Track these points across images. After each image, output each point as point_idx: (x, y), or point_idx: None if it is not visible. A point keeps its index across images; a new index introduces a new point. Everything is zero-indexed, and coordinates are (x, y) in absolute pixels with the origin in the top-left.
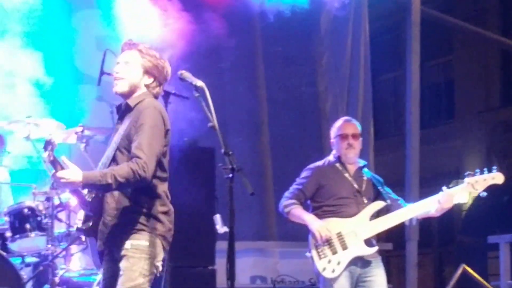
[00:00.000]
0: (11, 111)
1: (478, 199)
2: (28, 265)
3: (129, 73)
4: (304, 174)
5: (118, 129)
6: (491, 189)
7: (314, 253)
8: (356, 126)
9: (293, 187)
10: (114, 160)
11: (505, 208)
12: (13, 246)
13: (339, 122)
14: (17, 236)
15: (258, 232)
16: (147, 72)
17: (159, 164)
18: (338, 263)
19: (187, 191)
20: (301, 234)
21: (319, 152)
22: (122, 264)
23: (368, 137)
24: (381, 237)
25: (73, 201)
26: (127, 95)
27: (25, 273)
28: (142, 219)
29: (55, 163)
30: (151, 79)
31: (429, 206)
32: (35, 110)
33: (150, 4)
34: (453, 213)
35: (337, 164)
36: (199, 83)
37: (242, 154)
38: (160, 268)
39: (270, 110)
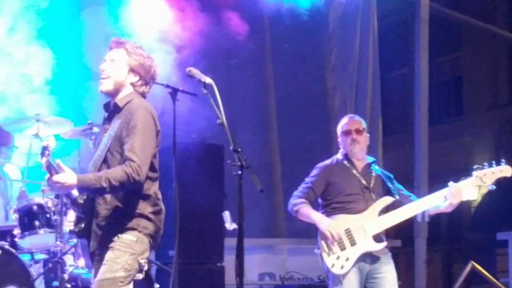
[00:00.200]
0: (20, 108)
1: (486, 196)
2: (37, 262)
3: (114, 72)
4: (313, 172)
5: (107, 129)
6: (500, 185)
7: (323, 249)
8: (359, 122)
9: (302, 186)
10: (105, 162)
11: None
12: (23, 243)
13: (343, 120)
14: (27, 233)
15: (267, 229)
16: (132, 70)
17: (150, 165)
18: (347, 259)
19: (196, 188)
20: (309, 231)
21: (327, 149)
22: (107, 255)
23: (377, 134)
24: (390, 234)
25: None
26: (112, 93)
27: (34, 270)
28: (133, 219)
29: (50, 168)
30: (137, 78)
31: (436, 201)
32: (44, 107)
33: (158, 2)
34: (461, 210)
35: (345, 162)
36: (208, 80)
37: (251, 151)
38: (144, 266)
39: (279, 107)
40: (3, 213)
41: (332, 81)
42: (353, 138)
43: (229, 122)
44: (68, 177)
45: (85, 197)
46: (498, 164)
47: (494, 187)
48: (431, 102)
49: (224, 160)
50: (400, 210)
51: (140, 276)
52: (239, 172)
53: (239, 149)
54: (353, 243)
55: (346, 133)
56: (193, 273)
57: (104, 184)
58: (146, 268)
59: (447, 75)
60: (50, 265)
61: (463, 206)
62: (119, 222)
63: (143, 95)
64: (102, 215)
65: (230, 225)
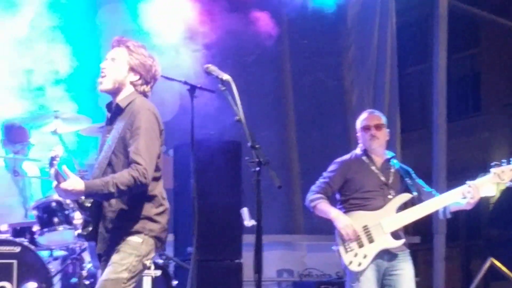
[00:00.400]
0: (38, 105)
1: (505, 192)
2: (56, 258)
3: (113, 70)
4: (331, 167)
5: (111, 130)
6: None
7: (340, 246)
8: (379, 117)
9: (320, 181)
10: (109, 165)
11: None
12: (41, 239)
13: (363, 115)
14: (45, 229)
15: (285, 225)
16: (132, 69)
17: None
18: (365, 256)
19: (214, 185)
20: (328, 227)
21: (345, 145)
22: (113, 257)
23: (395, 130)
24: (409, 231)
25: None
26: (113, 92)
27: (53, 267)
28: (138, 222)
29: (58, 176)
30: (137, 77)
31: (454, 198)
32: (62, 104)
33: None
34: (480, 206)
35: (364, 157)
36: (225, 76)
37: (269, 148)
38: (148, 266)
39: (297, 104)
40: (23, 211)
41: (350, 78)
42: (372, 134)
43: (247, 119)
44: (75, 183)
45: (91, 200)
46: None
47: None
48: (449, 98)
49: (241, 157)
50: (418, 207)
51: (158, 272)
52: (257, 168)
53: (257, 146)
54: (371, 240)
55: (365, 128)
56: (211, 269)
57: (112, 189)
58: (152, 267)
59: (465, 71)
60: (69, 261)
61: (481, 202)
62: (125, 225)
63: (145, 94)
64: (109, 218)
65: (248, 222)
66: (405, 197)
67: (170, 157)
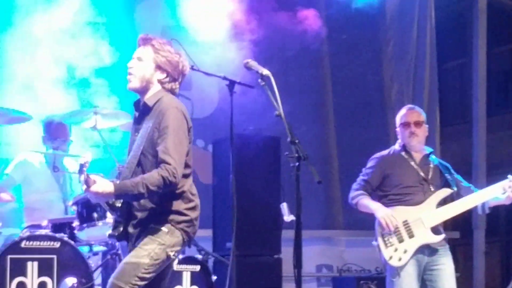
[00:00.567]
0: (77, 101)
1: None
2: (95, 253)
3: (139, 69)
4: (369, 164)
5: (139, 129)
6: None
7: (380, 241)
8: (419, 114)
9: (360, 178)
10: (139, 164)
11: None
12: (81, 235)
13: (402, 111)
14: (85, 225)
15: (324, 220)
16: (159, 67)
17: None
18: (405, 251)
19: (253, 180)
20: (367, 222)
21: (384, 140)
22: (138, 242)
23: (434, 125)
24: (448, 226)
25: None
26: (140, 91)
27: (93, 262)
28: (168, 215)
29: (89, 181)
30: (164, 75)
31: (494, 193)
32: (102, 100)
33: None
34: None
35: (403, 153)
36: (265, 71)
37: (308, 143)
38: (174, 258)
39: (335, 98)
40: (62, 206)
41: (389, 72)
42: (412, 131)
43: (286, 114)
44: (105, 186)
45: (122, 200)
46: None
47: None
48: (489, 92)
49: (280, 152)
50: (458, 202)
51: (197, 268)
52: (297, 163)
53: (297, 141)
54: (411, 235)
55: (405, 125)
56: (250, 265)
57: (142, 190)
58: (176, 260)
59: (505, 65)
60: (108, 256)
61: None
62: (154, 222)
63: (173, 92)
64: (139, 218)
65: (288, 217)
66: (445, 192)
67: (209, 153)
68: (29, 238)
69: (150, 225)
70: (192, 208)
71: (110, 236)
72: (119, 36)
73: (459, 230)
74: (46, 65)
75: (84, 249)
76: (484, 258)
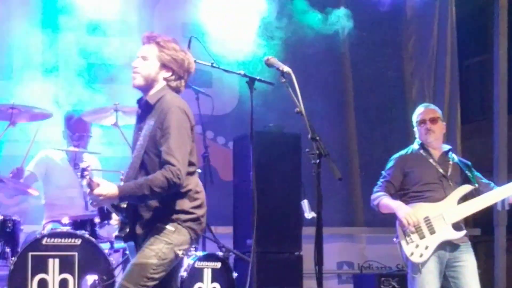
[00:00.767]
0: (99, 98)
1: None
2: (116, 250)
3: (144, 68)
4: (388, 165)
5: (141, 128)
6: None
7: (401, 238)
8: (434, 111)
9: (380, 180)
10: (142, 164)
11: None
12: (102, 232)
13: (418, 109)
14: (106, 222)
15: (345, 217)
16: (164, 65)
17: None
18: (426, 248)
19: (273, 177)
20: (388, 219)
21: (405, 137)
22: (145, 242)
23: (455, 122)
24: (469, 223)
25: None
26: (144, 89)
27: (114, 259)
28: (173, 214)
29: (92, 184)
30: (169, 73)
31: None
32: (121, 97)
33: None
34: None
35: (421, 151)
36: (286, 68)
37: (328, 140)
38: (182, 256)
39: (356, 95)
40: (83, 202)
41: (410, 69)
42: (428, 128)
43: (307, 111)
44: (108, 188)
45: (127, 202)
46: None
47: None
48: (510, 89)
49: (301, 149)
50: (479, 198)
51: (218, 265)
52: (317, 160)
53: (318, 137)
54: (432, 231)
55: (421, 122)
56: (271, 262)
57: (146, 192)
58: (185, 258)
59: None
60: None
61: None
62: (160, 222)
63: (178, 90)
64: (145, 218)
65: (308, 214)
66: (466, 188)
67: (229, 150)
68: (50, 235)
69: (156, 225)
70: (198, 206)
71: (116, 237)
72: (140, 34)
73: (480, 227)
74: (70, 60)
75: (105, 246)
76: (505, 255)
